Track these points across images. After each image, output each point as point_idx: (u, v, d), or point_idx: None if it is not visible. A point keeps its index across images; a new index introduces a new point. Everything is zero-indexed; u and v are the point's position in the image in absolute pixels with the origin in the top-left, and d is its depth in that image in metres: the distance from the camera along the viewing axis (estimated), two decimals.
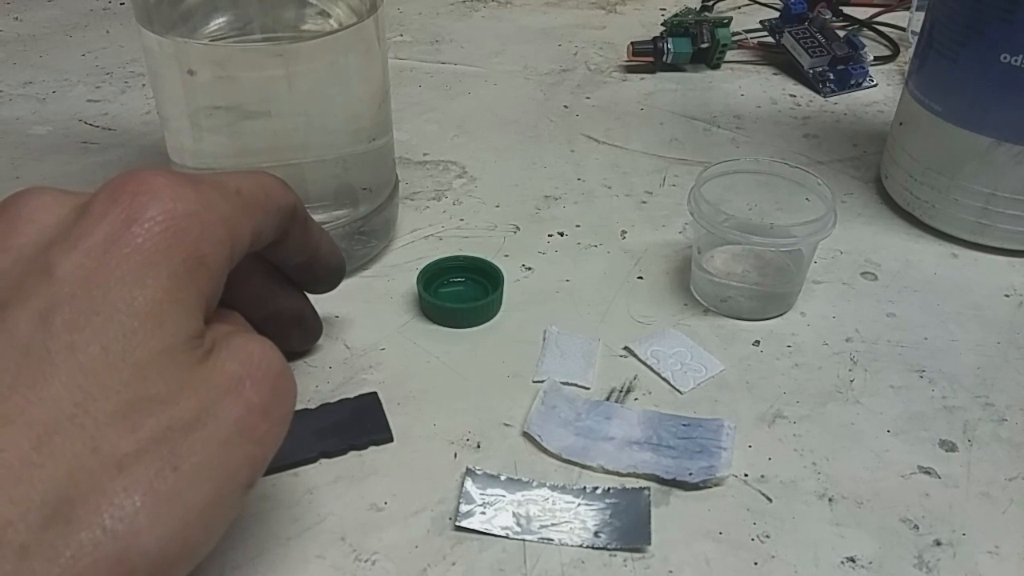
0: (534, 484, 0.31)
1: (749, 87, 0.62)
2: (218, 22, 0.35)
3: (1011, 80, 0.40)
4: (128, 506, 0.20)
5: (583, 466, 0.32)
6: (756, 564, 0.29)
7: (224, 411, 0.22)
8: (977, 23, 0.41)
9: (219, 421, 0.22)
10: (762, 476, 0.32)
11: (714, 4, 0.73)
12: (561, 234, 0.46)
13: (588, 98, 0.60)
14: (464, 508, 0.30)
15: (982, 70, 0.41)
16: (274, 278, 0.32)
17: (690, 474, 0.31)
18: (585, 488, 0.31)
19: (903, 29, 0.70)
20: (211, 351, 0.23)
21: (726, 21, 0.64)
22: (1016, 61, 0.40)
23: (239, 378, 0.23)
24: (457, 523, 0.30)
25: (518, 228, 0.46)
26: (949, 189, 0.44)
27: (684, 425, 0.34)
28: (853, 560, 0.29)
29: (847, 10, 0.71)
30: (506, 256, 0.43)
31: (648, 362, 0.37)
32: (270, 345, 0.24)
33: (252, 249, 0.27)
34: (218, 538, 0.22)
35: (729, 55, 0.65)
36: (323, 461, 0.32)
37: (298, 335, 0.36)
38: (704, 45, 0.63)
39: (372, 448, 0.33)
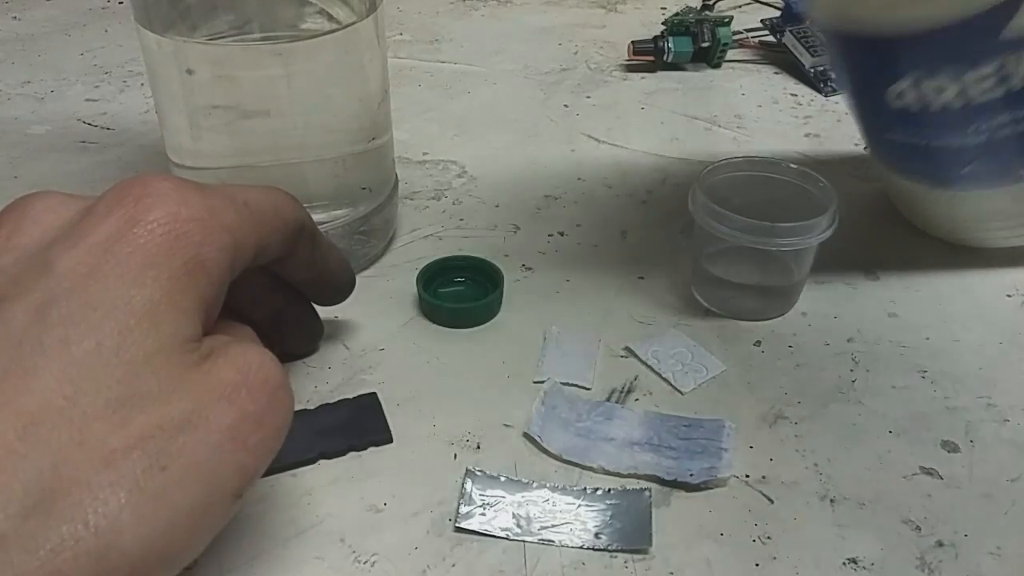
0: (534, 485, 0.31)
1: (750, 86, 0.62)
2: (217, 21, 0.35)
3: (909, 144, 0.39)
4: (112, 502, 0.19)
5: (584, 467, 0.32)
6: (757, 565, 0.29)
7: (217, 416, 0.22)
8: (861, 88, 0.40)
9: (211, 425, 0.22)
10: (763, 477, 0.32)
11: (715, 3, 0.73)
12: (561, 234, 0.45)
13: (588, 97, 0.60)
14: (464, 509, 0.30)
15: (883, 131, 0.40)
16: (276, 279, 0.32)
17: (691, 475, 0.31)
18: (586, 489, 0.31)
19: None
20: (208, 356, 0.23)
21: (727, 20, 0.64)
22: (916, 135, 0.38)
23: (235, 385, 0.23)
24: (457, 524, 0.30)
25: (518, 228, 0.46)
26: (927, 214, 0.44)
27: (685, 426, 0.33)
28: (855, 561, 0.29)
29: None
30: (506, 256, 0.43)
31: (649, 362, 0.37)
32: (271, 357, 0.24)
33: (256, 263, 0.27)
34: (201, 548, 0.22)
35: (730, 54, 0.65)
36: (322, 462, 0.32)
37: (299, 337, 0.36)
38: (705, 44, 0.63)
39: (371, 449, 0.33)
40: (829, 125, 0.57)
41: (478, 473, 0.31)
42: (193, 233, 0.23)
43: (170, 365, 0.22)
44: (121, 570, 0.19)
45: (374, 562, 0.29)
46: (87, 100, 0.59)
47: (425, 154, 0.53)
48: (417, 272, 0.40)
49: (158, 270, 0.22)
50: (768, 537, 0.30)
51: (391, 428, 0.33)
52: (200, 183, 0.25)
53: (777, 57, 0.65)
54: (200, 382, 0.22)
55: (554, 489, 0.31)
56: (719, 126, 0.57)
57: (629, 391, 0.36)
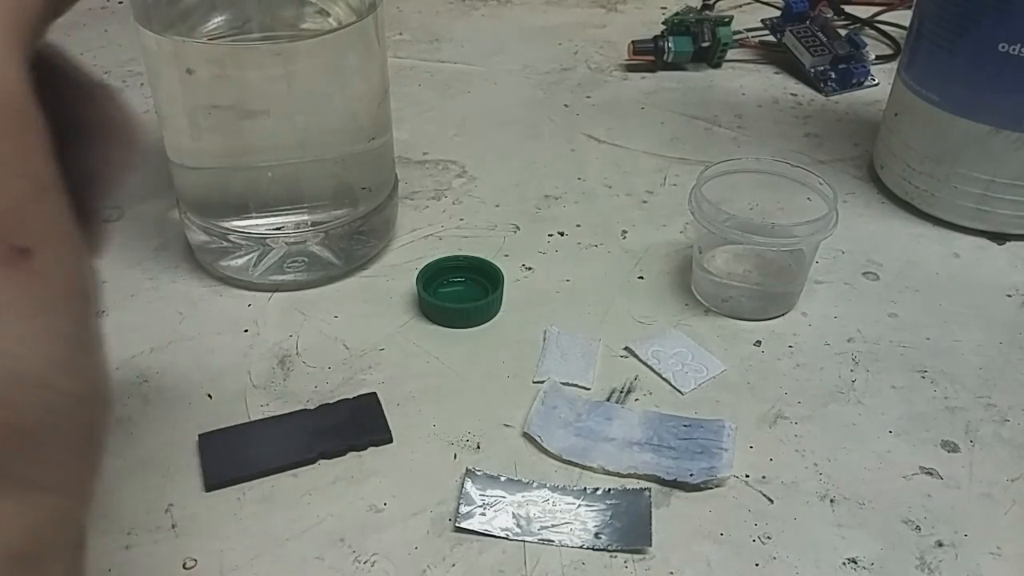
0: (534, 485, 0.31)
1: (750, 86, 0.62)
2: (217, 21, 0.35)
3: (1009, 68, 0.41)
4: None
5: (583, 467, 0.32)
6: (757, 565, 0.29)
7: None
8: (973, 13, 0.41)
9: None
10: (763, 477, 0.32)
11: (715, 3, 0.73)
12: (561, 234, 0.45)
13: (589, 97, 0.60)
14: (464, 509, 0.30)
15: (979, 59, 0.41)
16: None
17: (691, 475, 0.31)
18: (585, 489, 0.31)
19: (904, 28, 0.70)
20: None
21: (727, 20, 0.64)
22: (1014, 50, 0.40)
23: None
24: (457, 524, 0.30)
25: (518, 228, 0.46)
26: (948, 177, 0.45)
27: (685, 426, 0.33)
28: (855, 561, 0.29)
29: (849, 9, 0.71)
30: (506, 256, 0.43)
31: (649, 362, 0.37)
32: None
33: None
34: None
35: (730, 54, 0.65)
36: (322, 462, 0.32)
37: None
38: (705, 44, 0.63)
39: (371, 449, 0.33)
40: (829, 125, 0.57)
41: (478, 473, 0.31)
42: None
43: None
44: None
45: (374, 562, 0.29)
46: None
47: (425, 154, 0.53)
48: (417, 272, 0.40)
49: None
50: (768, 537, 0.30)
51: (391, 428, 0.33)
52: None
53: (777, 57, 0.65)
54: None
55: (554, 489, 0.31)
56: (719, 126, 0.57)
57: (629, 391, 0.36)
